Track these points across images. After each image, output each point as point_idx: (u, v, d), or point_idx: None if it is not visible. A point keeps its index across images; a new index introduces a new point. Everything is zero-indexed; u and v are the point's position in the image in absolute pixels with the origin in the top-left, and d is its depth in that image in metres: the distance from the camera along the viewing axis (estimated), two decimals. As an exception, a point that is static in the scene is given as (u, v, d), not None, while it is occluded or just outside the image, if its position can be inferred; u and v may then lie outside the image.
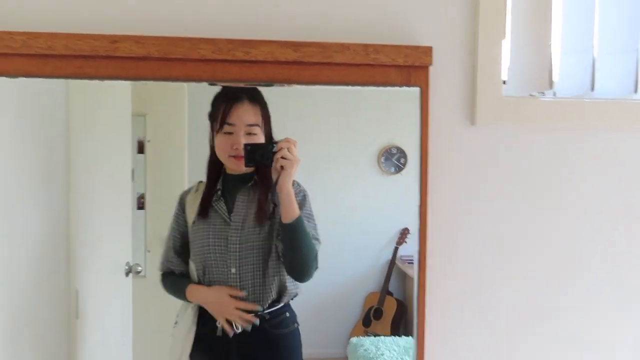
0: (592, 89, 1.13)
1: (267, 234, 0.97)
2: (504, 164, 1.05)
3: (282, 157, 0.94)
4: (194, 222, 0.99)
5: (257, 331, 0.98)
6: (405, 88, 0.97)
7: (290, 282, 0.99)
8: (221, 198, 0.99)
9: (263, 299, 0.98)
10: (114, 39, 0.87)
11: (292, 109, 1.04)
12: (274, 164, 0.95)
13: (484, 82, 1.02)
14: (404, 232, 1.10)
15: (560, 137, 1.07)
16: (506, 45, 1.06)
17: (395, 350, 1.09)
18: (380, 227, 1.11)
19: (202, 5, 0.95)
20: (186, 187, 1.02)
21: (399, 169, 1.09)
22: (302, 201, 0.97)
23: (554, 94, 1.12)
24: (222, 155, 0.98)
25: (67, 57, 0.87)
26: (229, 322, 0.98)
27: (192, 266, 1.00)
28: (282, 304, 0.99)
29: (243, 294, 0.98)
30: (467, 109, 1.03)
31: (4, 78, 0.88)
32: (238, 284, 0.97)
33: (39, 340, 1.00)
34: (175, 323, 1.01)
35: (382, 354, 1.08)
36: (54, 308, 1.01)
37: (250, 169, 0.98)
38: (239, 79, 0.92)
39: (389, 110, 1.06)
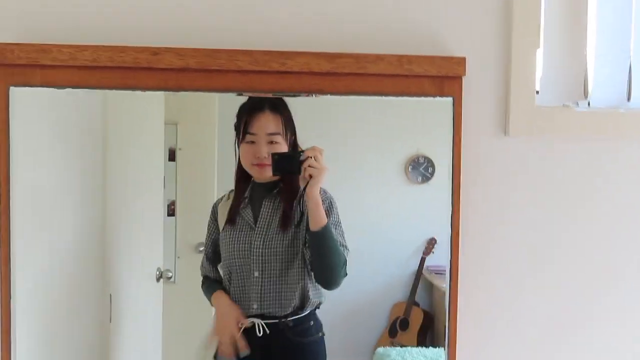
0: (629, 99, 1.15)
1: (291, 241, 1.02)
2: (536, 174, 1.08)
3: (310, 166, 0.98)
4: (223, 229, 1.04)
5: (280, 338, 1.02)
6: (438, 98, 1.01)
7: (312, 291, 1.03)
8: (248, 205, 1.04)
9: (285, 305, 1.02)
10: (155, 51, 0.93)
11: (321, 118, 1.08)
12: (302, 173, 0.99)
13: (517, 92, 1.04)
14: (431, 242, 1.11)
15: (594, 148, 1.09)
16: (540, 54, 1.08)
17: (422, 362, 1.12)
18: (407, 237, 1.13)
19: (239, 17, 1.00)
20: (216, 195, 1.07)
21: (426, 178, 1.11)
22: (329, 208, 1.01)
23: (589, 104, 1.14)
24: (246, 164, 1.03)
25: (111, 69, 0.93)
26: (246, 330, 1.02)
27: (221, 271, 1.05)
28: (306, 312, 1.03)
29: (247, 349, 1.02)
30: (500, 119, 1.06)
31: (51, 89, 0.94)
32: (260, 288, 1.02)
33: (75, 343, 1.06)
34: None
35: (410, 365, 1.11)
36: (89, 312, 1.07)
37: (275, 177, 1.03)
38: (274, 89, 0.98)
39: (416, 119, 1.09)
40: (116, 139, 1.07)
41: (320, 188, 1.00)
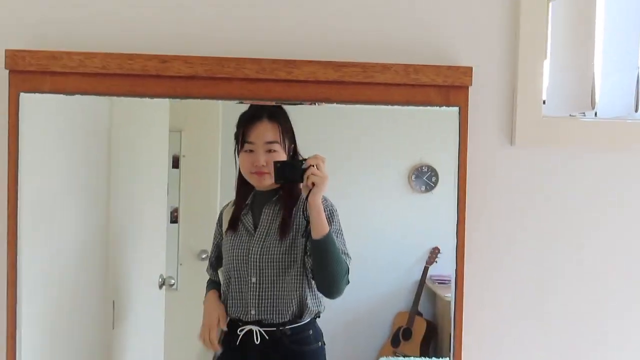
0: (636, 109, 1.17)
1: (288, 248, 1.04)
2: (543, 184, 1.10)
3: (312, 174, 1.01)
4: (225, 234, 1.07)
5: (278, 346, 1.05)
6: (444, 108, 1.03)
7: (311, 300, 1.05)
8: (249, 212, 1.07)
9: (282, 312, 1.05)
10: (164, 59, 0.96)
11: (325, 127, 1.10)
12: (304, 181, 1.02)
13: (524, 102, 1.06)
14: (435, 252, 1.13)
15: (601, 158, 1.11)
16: (546, 64, 1.11)
17: (425, 372, 1.13)
18: (410, 246, 1.15)
19: (246, 26, 1.03)
20: (219, 202, 1.10)
21: (429, 187, 1.13)
22: (330, 216, 1.04)
23: (596, 114, 1.16)
24: (245, 173, 1.06)
25: (120, 76, 0.96)
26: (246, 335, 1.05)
27: (221, 276, 1.08)
28: (305, 321, 1.05)
29: (218, 348, 1.06)
30: (507, 129, 1.08)
31: (58, 96, 0.97)
32: (258, 294, 1.04)
33: (78, 349, 1.08)
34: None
35: (413, 375, 1.12)
36: (92, 318, 1.09)
37: (276, 185, 1.05)
38: (280, 97, 1.01)
39: (420, 128, 1.11)
40: (121, 146, 1.10)
41: (322, 196, 1.03)
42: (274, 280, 1.04)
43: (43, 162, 1.01)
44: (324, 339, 1.08)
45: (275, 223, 1.05)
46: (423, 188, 1.13)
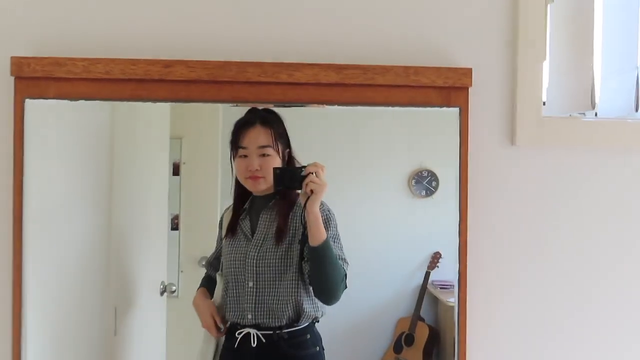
0: (636, 109, 1.20)
1: (285, 253, 1.08)
2: (544, 184, 1.13)
3: (311, 182, 1.04)
4: (224, 238, 1.11)
5: (275, 350, 1.08)
6: (444, 109, 1.07)
7: (308, 305, 1.08)
8: (247, 217, 1.11)
9: (279, 316, 1.08)
10: (167, 64, 1.01)
11: (323, 130, 1.13)
12: (303, 188, 1.05)
13: (524, 103, 1.09)
14: (436, 256, 1.15)
15: (601, 158, 1.13)
16: (546, 65, 1.14)
17: (428, 378, 1.14)
18: (411, 251, 1.17)
19: (247, 30, 1.07)
20: (219, 209, 1.14)
21: (430, 192, 1.16)
22: (327, 222, 1.07)
23: (596, 114, 1.18)
24: (240, 178, 1.10)
25: (123, 81, 1.00)
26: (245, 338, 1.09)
27: (219, 280, 1.11)
28: (302, 325, 1.08)
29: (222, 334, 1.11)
30: (507, 130, 1.11)
31: (62, 102, 1.01)
32: (254, 298, 1.08)
33: (80, 355, 1.11)
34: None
35: (416, 381, 1.14)
36: (94, 325, 1.12)
37: (272, 190, 1.09)
38: (282, 100, 1.05)
39: (420, 133, 1.14)
40: (122, 154, 1.13)
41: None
42: (270, 284, 1.07)
43: (47, 167, 1.05)
44: (327, 344, 1.10)
45: (272, 228, 1.09)
46: (423, 193, 1.16)
